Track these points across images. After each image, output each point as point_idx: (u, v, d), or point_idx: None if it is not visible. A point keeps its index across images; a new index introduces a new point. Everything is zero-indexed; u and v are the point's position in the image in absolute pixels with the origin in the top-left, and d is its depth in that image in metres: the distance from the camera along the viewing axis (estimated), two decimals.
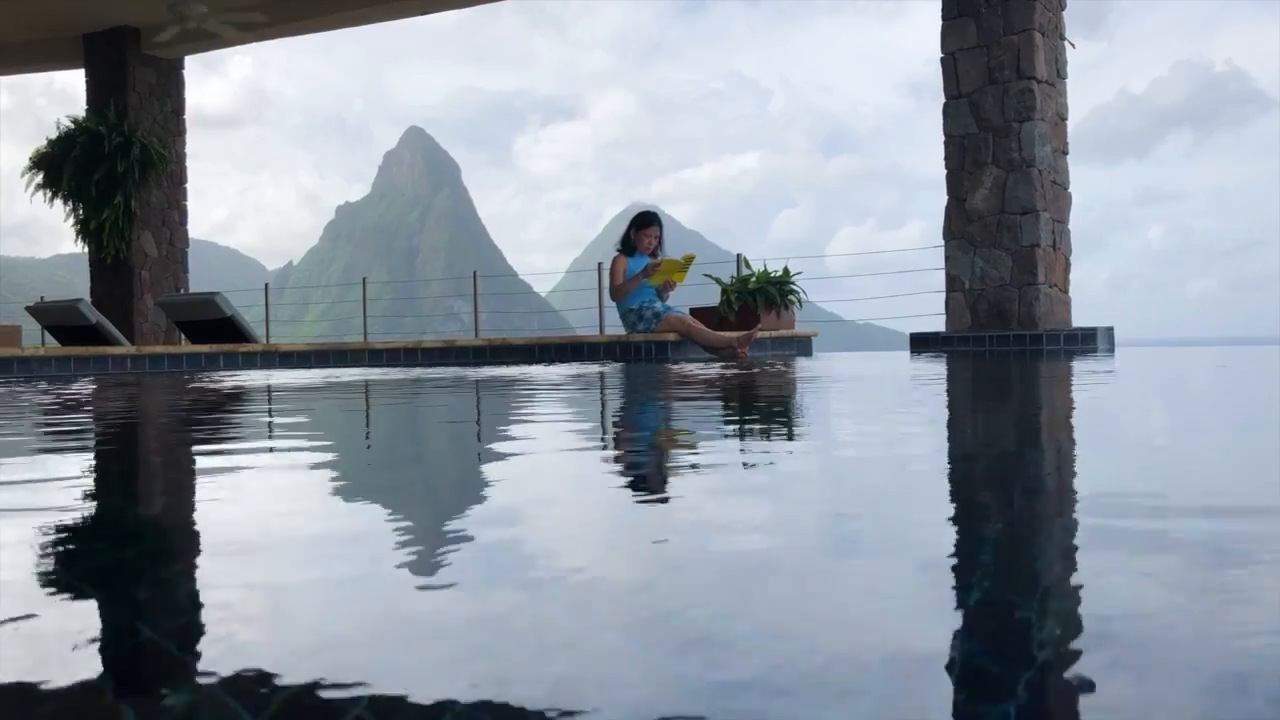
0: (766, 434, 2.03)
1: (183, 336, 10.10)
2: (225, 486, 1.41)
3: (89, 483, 1.48)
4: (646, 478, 1.43)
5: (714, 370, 5.02)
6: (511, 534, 0.98)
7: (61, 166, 11.77)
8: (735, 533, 0.95)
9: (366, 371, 6.21)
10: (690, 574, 0.78)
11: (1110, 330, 7.58)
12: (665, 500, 1.19)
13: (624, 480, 1.38)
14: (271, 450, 1.95)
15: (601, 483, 1.36)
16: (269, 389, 4.39)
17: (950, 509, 1.09)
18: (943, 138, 8.00)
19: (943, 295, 8.07)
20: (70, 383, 5.35)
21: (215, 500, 1.29)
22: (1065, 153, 8.02)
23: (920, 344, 8.09)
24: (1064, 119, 8.04)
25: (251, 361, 7.88)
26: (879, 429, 2.21)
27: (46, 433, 2.49)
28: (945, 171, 8.04)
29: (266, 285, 15.42)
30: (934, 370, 4.74)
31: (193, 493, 1.41)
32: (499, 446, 1.96)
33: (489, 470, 1.57)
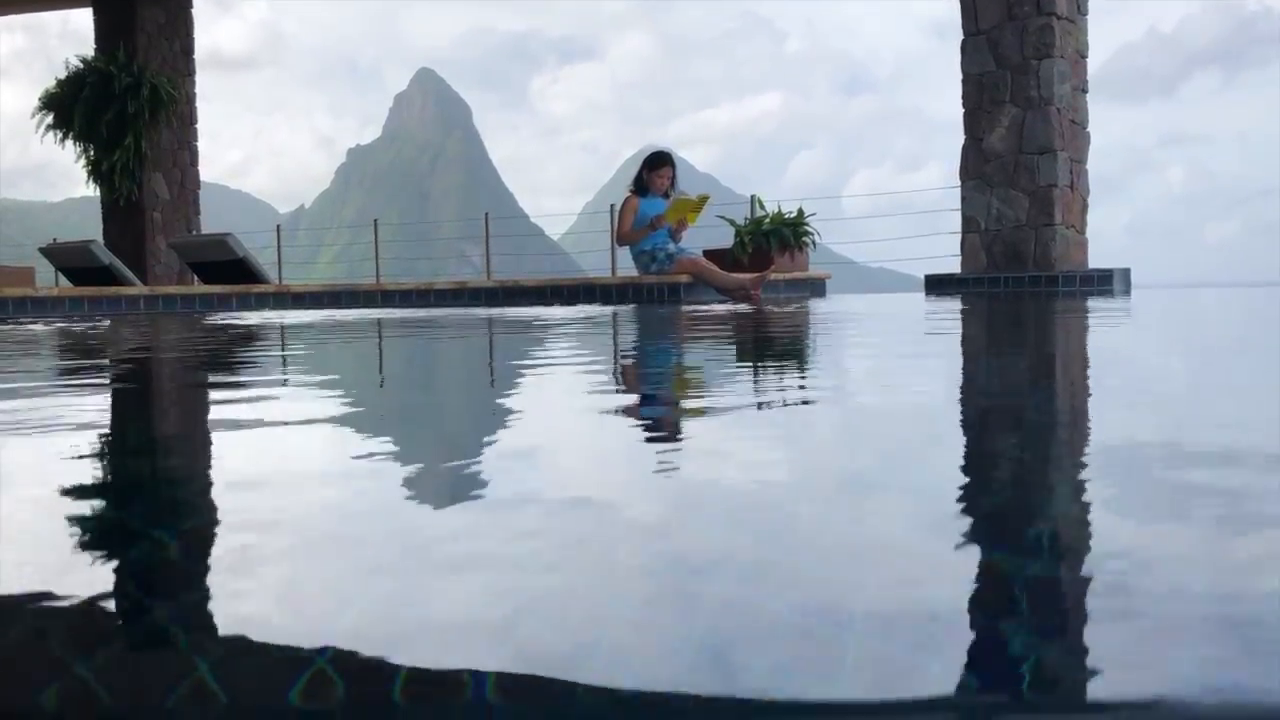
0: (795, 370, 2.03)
1: (195, 278, 10.11)
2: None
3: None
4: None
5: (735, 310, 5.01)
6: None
7: (71, 107, 11.70)
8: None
9: (389, 311, 6.23)
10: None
11: (1127, 272, 7.51)
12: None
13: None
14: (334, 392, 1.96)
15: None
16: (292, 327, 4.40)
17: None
18: (960, 76, 7.88)
19: (958, 237, 8.00)
20: (101, 322, 5.38)
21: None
22: (1085, 91, 7.88)
23: (935, 285, 8.04)
24: (1084, 56, 7.88)
25: (264, 302, 7.89)
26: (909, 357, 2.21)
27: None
28: (963, 111, 7.92)
29: (279, 227, 15.39)
30: (952, 307, 4.72)
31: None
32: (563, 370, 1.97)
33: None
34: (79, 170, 12.16)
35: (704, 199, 7.38)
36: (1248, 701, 0.32)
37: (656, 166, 7.36)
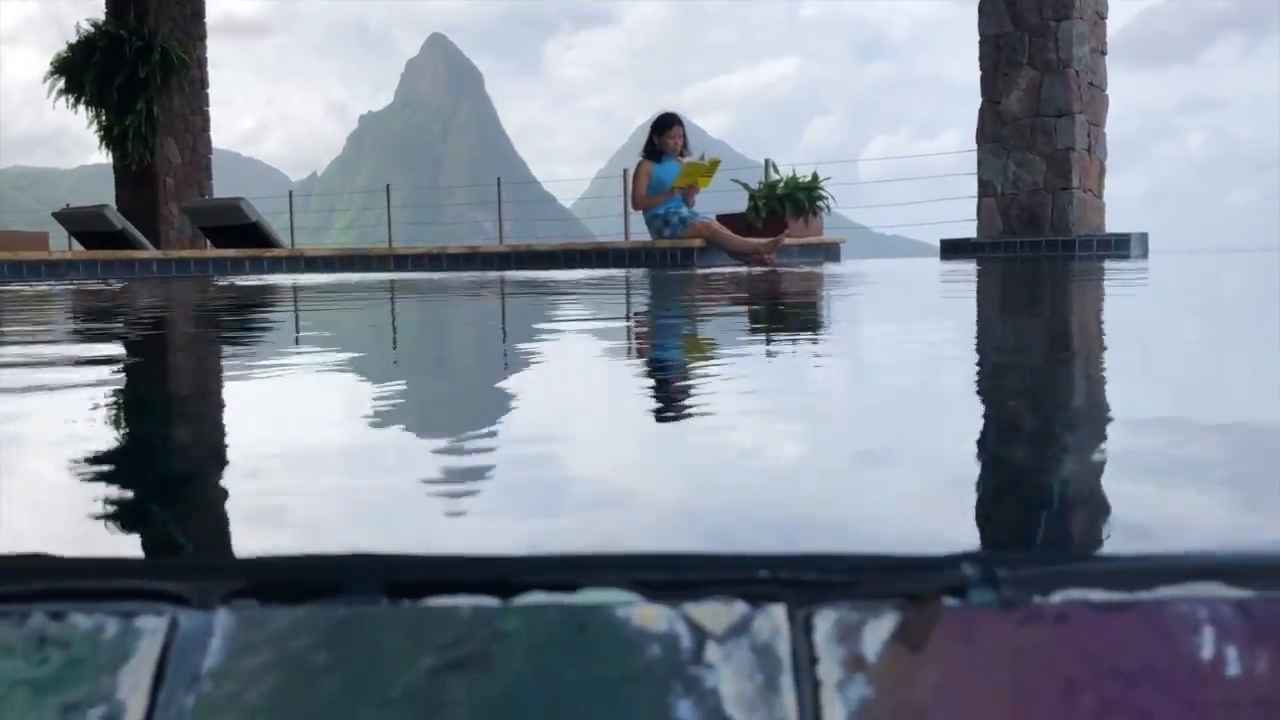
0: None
1: (208, 242, 10.12)
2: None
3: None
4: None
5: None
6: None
7: (83, 72, 11.66)
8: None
9: (411, 275, 6.23)
10: None
11: (1145, 236, 7.44)
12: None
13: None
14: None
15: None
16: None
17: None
18: (978, 38, 7.78)
19: (974, 202, 7.93)
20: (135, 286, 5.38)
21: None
22: (1103, 53, 7.76)
23: (950, 250, 7.99)
24: (1103, 17, 7.76)
25: (277, 266, 7.90)
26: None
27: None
28: (980, 73, 7.83)
29: (290, 192, 15.39)
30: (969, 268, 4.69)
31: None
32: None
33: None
34: (92, 136, 12.14)
35: (716, 163, 7.33)
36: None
37: (665, 129, 7.30)
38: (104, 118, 11.78)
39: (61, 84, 11.91)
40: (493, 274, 6.13)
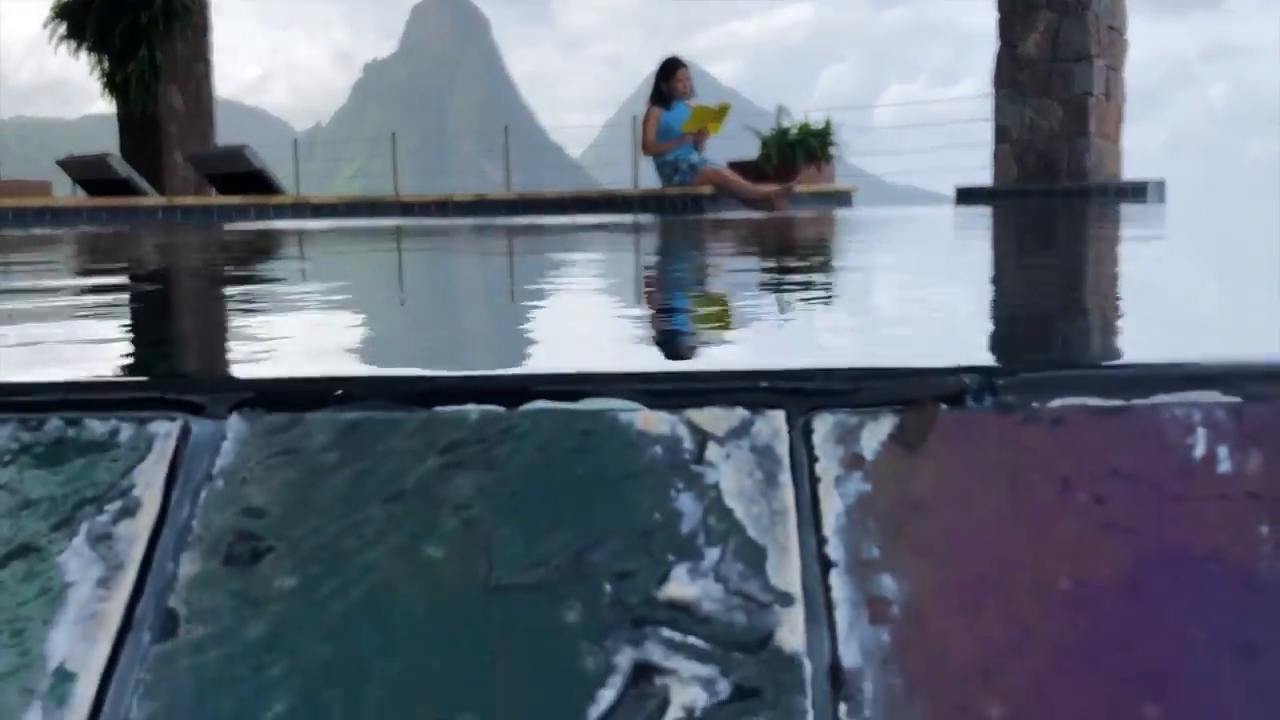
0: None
1: (213, 190, 10.09)
2: None
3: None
4: None
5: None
6: None
7: (84, 17, 11.54)
8: None
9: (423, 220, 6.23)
10: None
11: (1162, 184, 7.36)
12: None
13: None
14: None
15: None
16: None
17: None
18: None
19: (989, 151, 7.86)
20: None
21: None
22: None
23: (966, 197, 7.92)
24: None
25: (283, 213, 7.88)
26: None
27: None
28: (997, 16, 7.71)
29: (295, 141, 15.30)
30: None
31: None
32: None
33: None
34: (94, 86, 12.04)
35: (725, 107, 7.24)
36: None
37: (671, 73, 7.18)
38: (106, 64, 11.67)
39: (63, 29, 11.79)
40: (500, 219, 6.11)
